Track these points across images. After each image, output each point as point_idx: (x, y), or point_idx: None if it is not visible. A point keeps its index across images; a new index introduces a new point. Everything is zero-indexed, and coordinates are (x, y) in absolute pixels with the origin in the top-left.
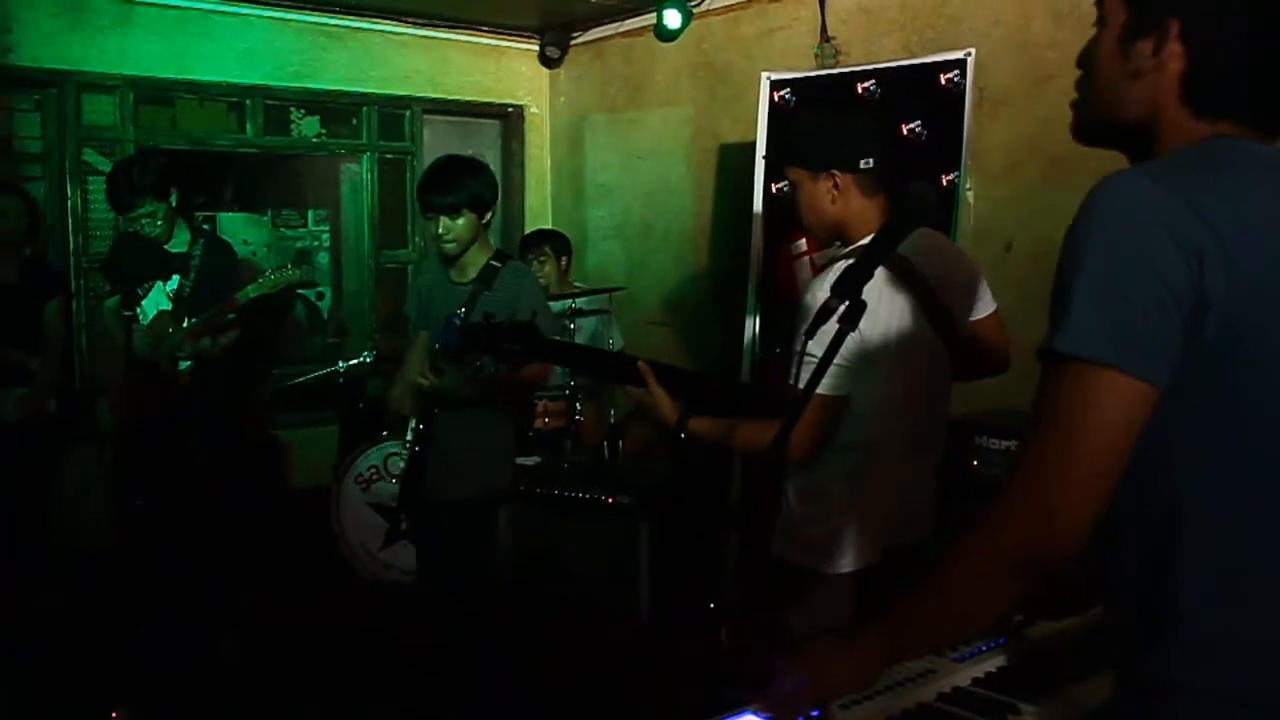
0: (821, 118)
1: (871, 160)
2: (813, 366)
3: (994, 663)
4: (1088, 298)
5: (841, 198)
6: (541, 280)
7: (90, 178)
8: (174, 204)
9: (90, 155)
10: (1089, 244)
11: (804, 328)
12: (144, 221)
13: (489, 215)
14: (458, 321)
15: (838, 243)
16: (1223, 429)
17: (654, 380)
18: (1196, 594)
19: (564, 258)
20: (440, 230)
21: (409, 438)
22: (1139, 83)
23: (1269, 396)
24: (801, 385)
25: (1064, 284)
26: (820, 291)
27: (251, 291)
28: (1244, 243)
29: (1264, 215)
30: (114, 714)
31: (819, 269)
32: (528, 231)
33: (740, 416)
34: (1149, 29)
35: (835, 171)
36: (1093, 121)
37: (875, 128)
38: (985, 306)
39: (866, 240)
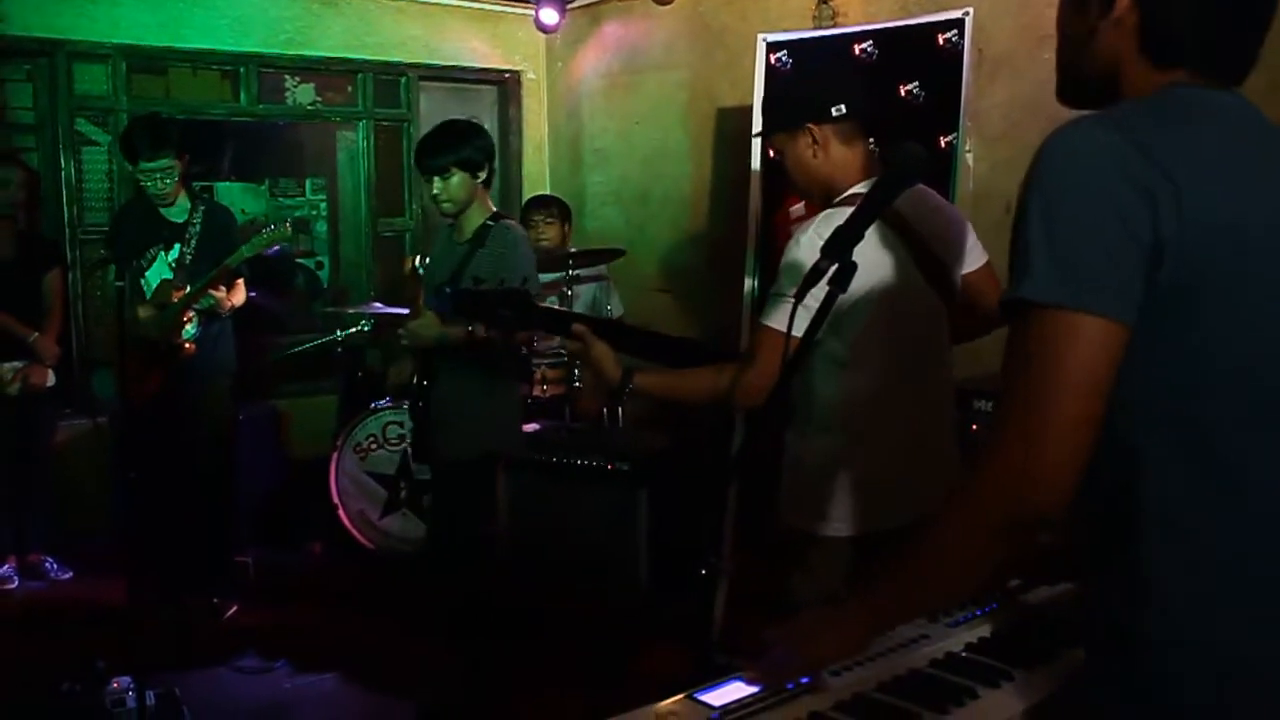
0: (791, 77)
1: (844, 106)
2: (798, 319)
3: (987, 628)
4: (1046, 242)
5: (822, 151)
6: (546, 242)
7: (84, 148)
8: (185, 168)
9: (83, 125)
10: (1043, 190)
11: (785, 287)
12: (156, 176)
13: (483, 175)
14: (449, 289)
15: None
16: (1181, 384)
17: (594, 339)
18: (1161, 547)
19: (566, 223)
20: (435, 191)
21: (413, 394)
22: (1096, 39)
23: (1223, 347)
24: (781, 329)
25: (1022, 232)
26: (805, 239)
27: (245, 251)
28: (1197, 189)
29: (1218, 164)
30: (100, 663)
31: None
32: (527, 197)
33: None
34: None
35: (810, 125)
36: (1066, 82)
37: (845, 76)
38: (976, 259)
39: (852, 191)
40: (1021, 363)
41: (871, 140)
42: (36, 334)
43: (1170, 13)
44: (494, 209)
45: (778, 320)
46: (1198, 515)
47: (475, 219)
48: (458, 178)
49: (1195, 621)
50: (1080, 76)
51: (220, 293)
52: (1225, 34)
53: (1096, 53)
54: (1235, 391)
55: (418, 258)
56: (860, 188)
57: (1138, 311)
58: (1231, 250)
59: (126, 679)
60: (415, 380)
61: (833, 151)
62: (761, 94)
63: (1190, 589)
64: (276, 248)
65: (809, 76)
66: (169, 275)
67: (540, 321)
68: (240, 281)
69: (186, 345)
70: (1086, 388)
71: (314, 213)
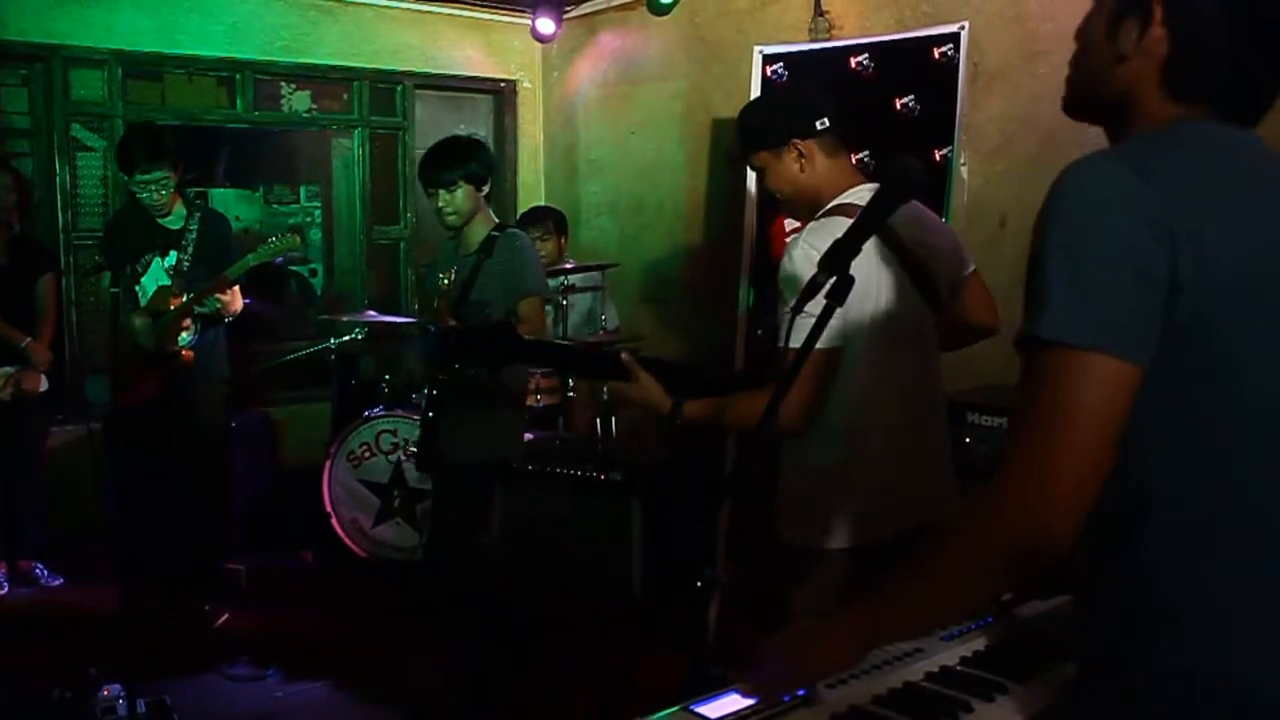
0: (764, 99)
1: (826, 120)
2: (802, 334)
3: (982, 642)
4: (1063, 281)
5: (809, 164)
6: (542, 257)
7: (79, 153)
8: (180, 179)
9: (79, 131)
10: (1060, 227)
11: (790, 303)
12: (151, 187)
13: (486, 188)
14: (433, 329)
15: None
16: (1193, 414)
17: (640, 371)
18: (1163, 574)
19: (562, 236)
20: (441, 204)
21: (422, 404)
22: (1124, 65)
23: (1239, 383)
24: (793, 346)
25: (1039, 270)
26: (798, 253)
27: (251, 260)
28: (1212, 227)
29: (1231, 200)
30: (91, 670)
31: None
32: (522, 208)
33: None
34: (1134, 11)
35: (796, 140)
36: (1079, 96)
37: (819, 92)
38: (964, 268)
39: (838, 201)
40: (1035, 399)
41: (866, 153)
42: (29, 339)
43: (1202, 49)
44: (496, 220)
45: (796, 340)
46: (1206, 548)
47: (480, 230)
48: (463, 190)
49: (1196, 649)
50: (1094, 96)
51: (226, 296)
52: (1251, 77)
53: (1118, 77)
54: (1257, 425)
55: (451, 275)
56: (846, 197)
57: (1154, 350)
58: (1247, 288)
59: (117, 686)
60: (426, 390)
61: (819, 164)
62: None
63: (1192, 617)
64: (280, 258)
65: (788, 95)
66: (165, 281)
67: (530, 354)
68: (237, 288)
69: (184, 352)
70: (1099, 427)
71: (308, 220)
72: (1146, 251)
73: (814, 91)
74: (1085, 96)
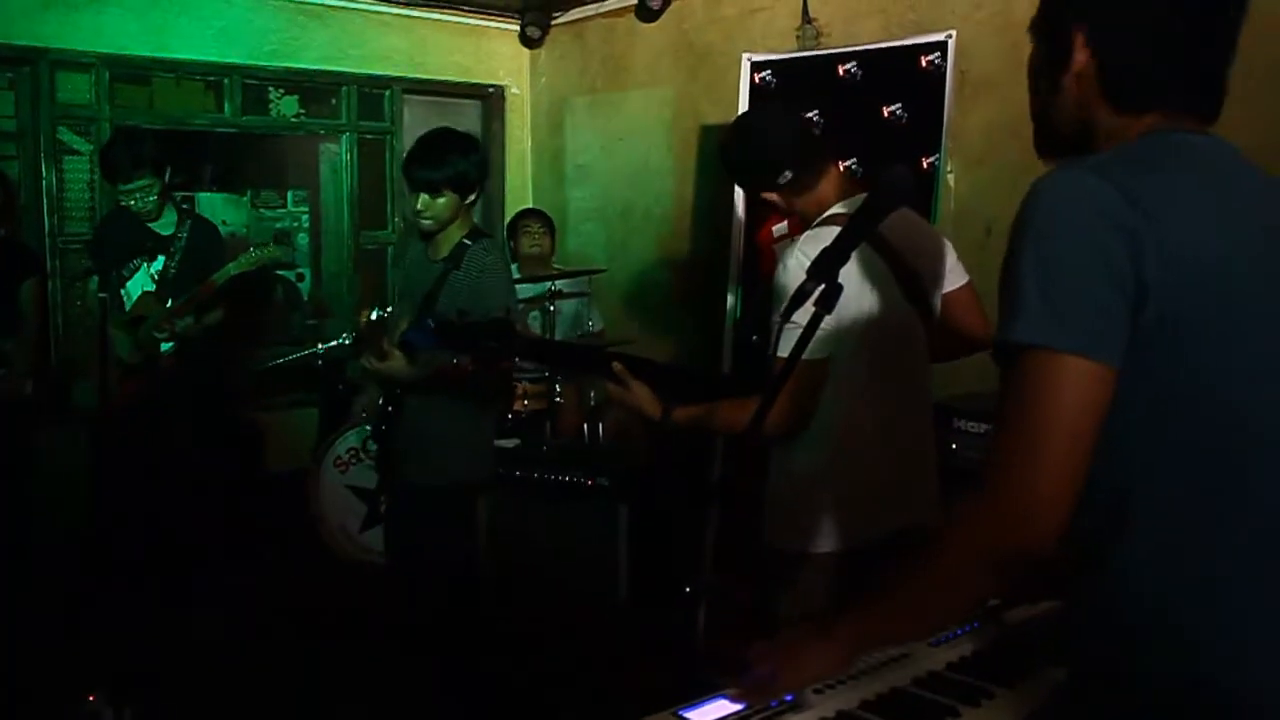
0: (735, 144)
1: (789, 173)
2: (791, 342)
3: (969, 647)
4: (1035, 285)
5: (784, 204)
6: (537, 249)
7: (66, 157)
8: (166, 182)
9: (65, 134)
10: (1030, 235)
11: (780, 310)
12: (137, 196)
13: (473, 196)
14: (430, 322)
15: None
16: (1163, 418)
17: (631, 378)
18: (1151, 579)
19: (552, 237)
20: (419, 206)
21: (377, 418)
22: (1063, 95)
23: (1215, 389)
24: (782, 354)
25: (1012, 276)
26: (792, 262)
27: (231, 269)
28: (1176, 231)
29: (1196, 205)
30: (91, 696)
31: None
32: (510, 212)
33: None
34: (1058, 43)
35: (763, 193)
36: (1042, 136)
37: (784, 138)
38: (957, 279)
39: (832, 211)
40: (1014, 403)
41: (854, 160)
42: (13, 343)
43: (1128, 59)
44: (473, 225)
45: (784, 350)
46: (1182, 551)
47: (453, 236)
48: (446, 198)
49: (1177, 654)
50: (1054, 130)
51: (189, 319)
52: (1188, 74)
53: (1064, 106)
54: (1236, 430)
55: (374, 311)
56: (839, 207)
57: (1124, 352)
58: (1211, 289)
59: (102, 693)
60: (380, 404)
61: (796, 200)
62: None
63: (1172, 621)
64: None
65: (751, 149)
66: (150, 287)
67: (524, 351)
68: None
69: (164, 358)
70: (1077, 428)
71: (295, 225)
72: (1113, 254)
73: (776, 143)
74: (1047, 134)
